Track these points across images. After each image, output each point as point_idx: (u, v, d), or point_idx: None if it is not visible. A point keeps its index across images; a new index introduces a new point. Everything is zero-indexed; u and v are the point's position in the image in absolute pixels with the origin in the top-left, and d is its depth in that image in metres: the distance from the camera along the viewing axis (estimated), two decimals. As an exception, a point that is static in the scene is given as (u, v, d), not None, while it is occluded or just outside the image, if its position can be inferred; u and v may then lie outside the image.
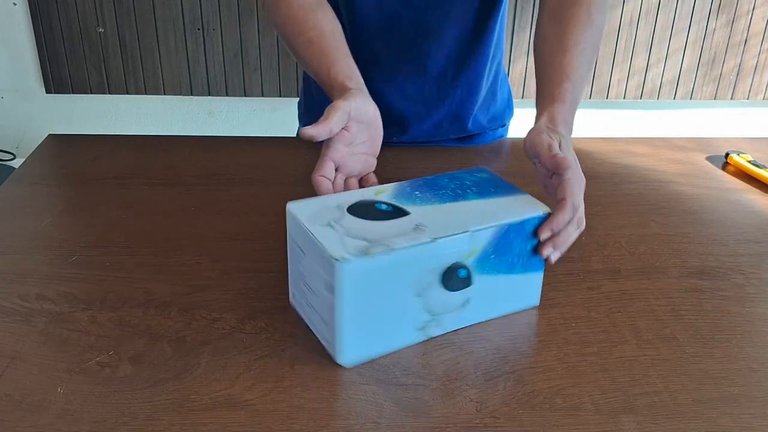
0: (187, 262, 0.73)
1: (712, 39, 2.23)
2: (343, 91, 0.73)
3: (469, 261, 0.60)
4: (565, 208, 0.62)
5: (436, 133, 1.03)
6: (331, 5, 0.85)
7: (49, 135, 1.04)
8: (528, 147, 0.68)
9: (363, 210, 0.62)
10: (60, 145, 1.02)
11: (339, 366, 0.59)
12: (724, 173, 0.97)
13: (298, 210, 0.61)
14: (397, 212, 0.62)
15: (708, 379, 0.59)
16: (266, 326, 0.63)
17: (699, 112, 2.40)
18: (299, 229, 0.60)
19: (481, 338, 0.63)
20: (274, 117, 2.27)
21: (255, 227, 0.79)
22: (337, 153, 0.70)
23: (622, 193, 0.90)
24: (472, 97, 1.01)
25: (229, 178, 0.91)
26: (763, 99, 2.34)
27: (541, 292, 0.67)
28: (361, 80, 0.77)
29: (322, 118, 0.68)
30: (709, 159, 1.02)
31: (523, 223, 0.62)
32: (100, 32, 2.12)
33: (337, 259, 0.54)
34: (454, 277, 0.60)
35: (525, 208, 0.63)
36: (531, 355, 0.61)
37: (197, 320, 0.64)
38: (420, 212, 0.61)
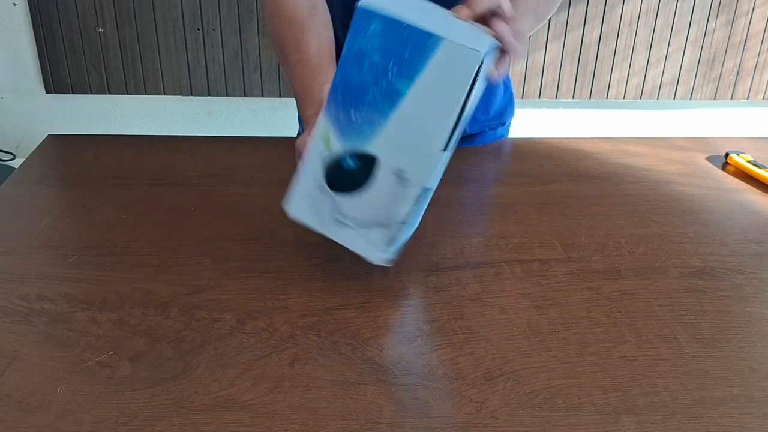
0: (187, 262, 0.73)
1: (712, 39, 2.23)
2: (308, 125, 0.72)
3: (336, 146, 0.60)
4: None
5: None
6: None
7: (49, 135, 1.04)
8: None
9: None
10: (60, 145, 1.02)
11: (339, 366, 0.59)
12: (724, 173, 0.97)
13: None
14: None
15: (708, 379, 0.59)
16: (266, 326, 0.63)
17: (699, 112, 2.40)
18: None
19: (481, 338, 0.63)
20: (274, 117, 2.27)
21: (255, 227, 0.79)
22: None
23: (622, 193, 0.90)
24: None
25: (229, 178, 0.91)
26: (763, 99, 2.34)
27: (543, 292, 0.67)
28: None
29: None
30: (709, 159, 1.02)
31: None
32: (100, 32, 2.12)
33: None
34: (342, 173, 0.61)
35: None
36: (531, 355, 0.61)
37: (197, 320, 0.64)
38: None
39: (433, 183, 0.62)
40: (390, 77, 0.58)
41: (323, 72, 0.76)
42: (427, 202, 0.63)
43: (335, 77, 0.61)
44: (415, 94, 0.58)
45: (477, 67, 0.56)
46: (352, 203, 0.63)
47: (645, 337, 0.64)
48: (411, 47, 0.56)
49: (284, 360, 0.59)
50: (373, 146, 0.61)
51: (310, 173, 0.65)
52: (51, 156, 0.99)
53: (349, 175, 0.62)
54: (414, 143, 0.59)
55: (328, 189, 0.63)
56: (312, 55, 0.77)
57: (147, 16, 2.10)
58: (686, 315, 0.67)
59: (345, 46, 0.59)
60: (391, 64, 0.58)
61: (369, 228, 0.63)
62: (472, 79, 0.56)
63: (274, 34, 0.82)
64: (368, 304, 0.67)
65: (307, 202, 0.65)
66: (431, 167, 0.60)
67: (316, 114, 0.68)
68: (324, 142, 0.61)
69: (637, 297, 0.69)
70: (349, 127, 0.61)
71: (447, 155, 0.60)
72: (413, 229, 0.66)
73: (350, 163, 0.60)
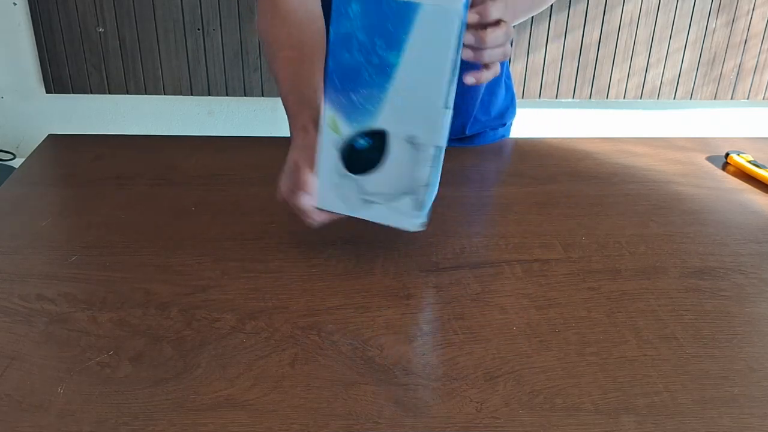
0: (187, 262, 0.73)
1: (712, 39, 2.23)
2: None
3: (345, 130, 0.62)
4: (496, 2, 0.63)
5: None
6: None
7: (49, 135, 1.04)
8: None
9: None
10: (60, 145, 1.02)
11: (339, 366, 0.59)
12: (725, 173, 0.97)
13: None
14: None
15: (708, 379, 0.59)
16: (266, 326, 0.63)
17: (699, 112, 2.40)
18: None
19: (481, 338, 0.63)
20: (274, 117, 2.27)
21: (255, 227, 0.79)
22: None
23: (622, 193, 0.90)
24: (470, 98, 1.01)
25: (229, 178, 0.91)
26: (763, 99, 2.34)
27: (543, 292, 0.67)
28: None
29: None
30: (709, 159, 1.02)
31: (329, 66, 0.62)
32: (100, 32, 2.12)
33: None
34: (357, 154, 0.62)
35: None
36: (531, 355, 0.61)
37: (197, 320, 0.64)
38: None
39: (444, 141, 0.64)
40: (380, 52, 0.60)
41: (317, 73, 0.75)
42: (442, 161, 0.65)
43: (327, 64, 0.62)
44: (406, 61, 0.60)
45: (459, 22, 0.58)
46: (375, 180, 0.65)
47: (645, 337, 0.64)
48: (392, 19, 0.59)
49: (284, 360, 0.59)
50: (380, 121, 0.63)
51: (327, 163, 0.66)
52: (51, 156, 0.99)
53: (364, 154, 0.64)
54: (417, 107, 0.61)
55: (348, 173, 0.65)
56: (306, 54, 0.76)
57: (147, 16, 2.10)
58: (686, 315, 0.67)
59: (330, 31, 0.61)
60: (377, 39, 0.60)
61: (397, 199, 0.66)
62: (456, 35, 0.59)
63: (265, 30, 0.81)
64: (368, 304, 0.67)
65: (333, 191, 0.67)
66: (439, 125, 0.62)
67: (310, 117, 0.69)
68: (333, 129, 0.63)
69: (638, 297, 0.69)
70: (353, 109, 0.63)
71: (449, 113, 0.63)
72: (436, 190, 0.68)
73: (362, 142, 0.62)
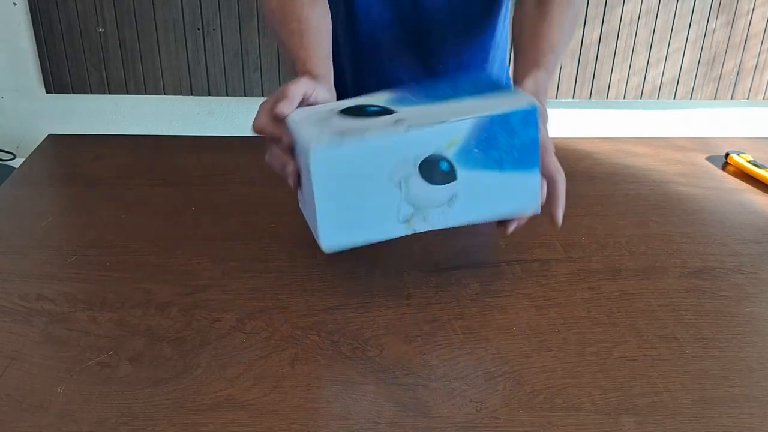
0: (187, 262, 0.73)
1: (712, 39, 2.23)
2: (313, 79, 0.72)
3: (450, 153, 0.61)
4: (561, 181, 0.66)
5: None
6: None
7: (49, 135, 1.04)
8: None
9: (353, 111, 0.64)
10: (60, 145, 1.02)
11: (339, 366, 0.59)
12: (724, 173, 0.97)
13: (295, 114, 0.64)
14: (385, 111, 0.63)
15: (708, 379, 0.59)
16: (266, 326, 0.63)
17: (699, 112, 2.40)
18: (290, 128, 0.62)
19: (481, 338, 0.63)
20: (274, 117, 2.27)
21: (255, 227, 0.79)
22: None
23: (622, 193, 0.90)
24: None
25: (229, 178, 0.91)
26: (763, 99, 2.34)
27: (543, 292, 0.67)
28: (332, 81, 0.75)
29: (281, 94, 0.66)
30: (709, 159, 1.02)
31: (507, 115, 0.61)
32: (100, 32, 2.12)
33: (310, 146, 0.57)
34: (435, 169, 0.61)
35: (511, 101, 0.63)
36: (531, 355, 0.61)
37: (197, 320, 0.64)
38: (408, 110, 0.62)
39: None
40: (515, 158, 0.63)
41: (325, 45, 0.77)
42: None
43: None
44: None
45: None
46: (425, 189, 0.63)
47: (645, 337, 0.64)
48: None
49: (284, 360, 0.59)
50: (463, 175, 0.63)
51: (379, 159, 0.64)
52: (51, 156, 0.99)
53: (437, 171, 0.62)
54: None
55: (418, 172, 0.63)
56: (313, 27, 0.78)
57: (147, 16, 2.10)
58: (686, 315, 0.67)
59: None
60: (515, 152, 0.63)
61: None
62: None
63: (274, 8, 0.81)
64: (368, 304, 0.67)
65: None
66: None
67: (320, 75, 0.70)
68: (449, 143, 0.61)
69: (637, 297, 0.69)
70: (469, 154, 0.62)
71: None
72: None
73: (445, 167, 0.62)
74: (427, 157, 0.60)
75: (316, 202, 0.60)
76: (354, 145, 0.58)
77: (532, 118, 0.61)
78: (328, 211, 0.60)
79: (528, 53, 0.77)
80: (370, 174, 0.59)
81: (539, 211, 0.65)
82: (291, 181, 0.64)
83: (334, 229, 0.61)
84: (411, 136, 0.59)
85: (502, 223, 0.67)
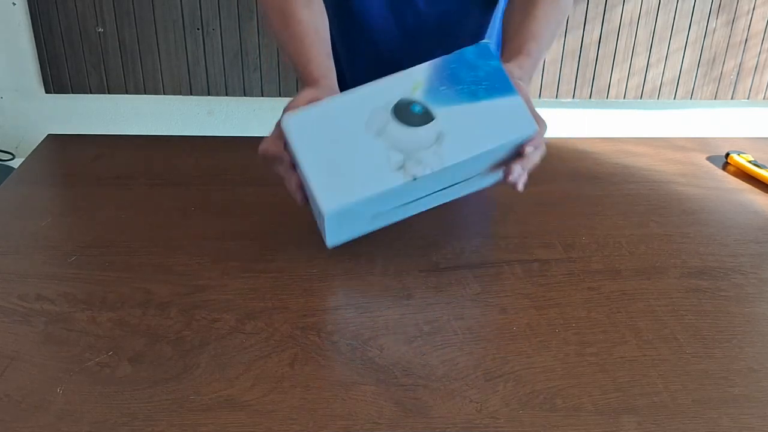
0: (187, 262, 0.73)
1: (712, 39, 2.23)
2: (315, 84, 0.74)
3: (418, 95, 0.65)
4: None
5: None
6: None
7: (49, 135, 1.04)
8: None
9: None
10: (60, 145, 1.02)
11: (339, 366, 0.59)
12: (725, 173, 0.97)
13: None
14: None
15: (708, 379, 0.59)
16: (266, 326, 0.63)
17: (699, 112, 2.39)
18: (286, 140, 0.67)
19: (481, 338, 0.63)
20: (274, 117, 2.26)
21: (255, 227, 0.79)
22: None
23: (622, 193, 0.90)
24: None
25: (229, 178, 0.91)
26: (764, 99, 2.34)
27: (543, 292, 0.67)
28: (335, 80, 0.77)
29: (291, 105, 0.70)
30: (710, 159, 1.02)
31: (461, 52, 0.67)
32: (99, 32, 2.12)
33: (283, 119, 0.64)
34: (408, 112, 0.64)
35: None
36: (531, 355, 0.61)
37: (197, 320, 0.64)
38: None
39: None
40: (482, 86, 0.67)
41: (325, 46, 0.79)
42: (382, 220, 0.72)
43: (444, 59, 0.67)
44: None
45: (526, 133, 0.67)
46: (406, 132, 0.66)
47: (645, 337, 0.63)
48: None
49: (284, 360, 0.59)
50: (440, 113, 0.66)
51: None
52: (51, 156, 0.98)
53: (412, 113, 0.66)
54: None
55: (394, 117, 0.67)
56: (312, 29, 0.80)
57: (147, 16, 2.10)
58: (686, 315, 0.67)
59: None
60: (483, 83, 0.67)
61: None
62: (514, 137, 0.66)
63: (273, 10, 0.82)
64: (368, 304, 0.67)
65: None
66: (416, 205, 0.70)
67: (322, 75, 0.74)
68: (413, 87, 0.66)
69: (637, 297, 0.69)
70: (437, 93, 0.66)
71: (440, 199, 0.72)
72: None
73: (418, 109, 0.65)
74: (396, 103, 0.65)
75: (304, 169, 0.63)
76: (322, 107, 0.65)
77: (485, 51, 0.67)
78: (318, 173, 0.63)
79: (512, 42, 0.81)
80: (346, 129, 0.64)
81: (536, 128, 0.67)
82: (298, 198, 0.68)
83: (330, 191, 0.63)
84: (373, 88, 0.65)
85: (509, 171, 0.68)
